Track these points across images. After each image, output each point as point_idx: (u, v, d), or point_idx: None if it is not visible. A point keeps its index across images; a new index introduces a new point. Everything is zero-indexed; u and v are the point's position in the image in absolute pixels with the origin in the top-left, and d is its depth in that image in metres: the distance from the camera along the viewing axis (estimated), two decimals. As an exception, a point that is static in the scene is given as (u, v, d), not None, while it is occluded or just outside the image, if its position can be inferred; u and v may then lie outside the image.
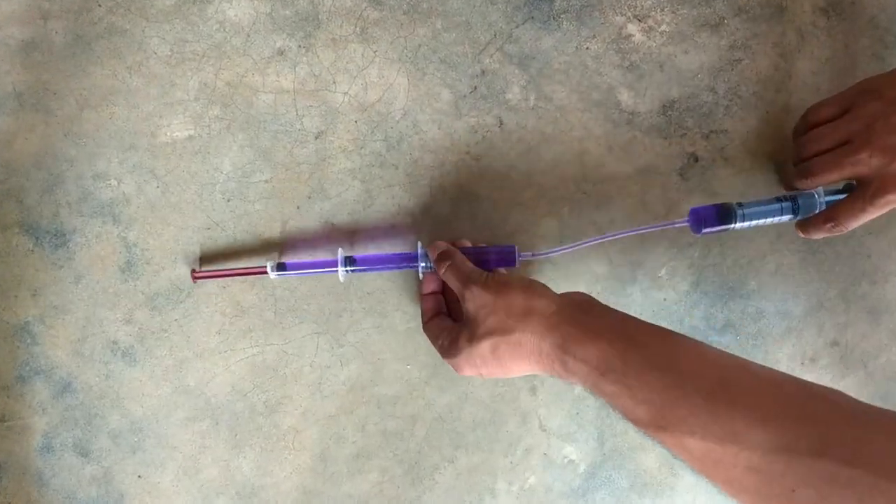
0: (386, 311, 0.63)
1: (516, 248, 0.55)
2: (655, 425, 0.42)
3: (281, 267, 0.56)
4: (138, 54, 0.57)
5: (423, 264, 0.56)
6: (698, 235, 0.54)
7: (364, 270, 0.57)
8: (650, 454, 0.69)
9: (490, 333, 0.48)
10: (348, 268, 0.56)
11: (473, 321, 0.49)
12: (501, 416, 0.65)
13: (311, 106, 0.60)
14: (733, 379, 0.41)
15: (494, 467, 0.65)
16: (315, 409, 0.63)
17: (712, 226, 0.54)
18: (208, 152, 0.59)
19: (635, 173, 0.64)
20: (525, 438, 0.66)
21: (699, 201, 0.66)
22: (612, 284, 0.66)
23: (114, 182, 0.59)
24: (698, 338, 0.63)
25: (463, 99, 0.61)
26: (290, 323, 0.62)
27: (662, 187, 0.65)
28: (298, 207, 0.60)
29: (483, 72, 0.62)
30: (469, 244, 0.57)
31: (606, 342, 0.45)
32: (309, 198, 0.60)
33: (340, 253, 0.56)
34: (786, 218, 0.55)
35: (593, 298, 0.50)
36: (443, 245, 0.56)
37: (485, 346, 0.49)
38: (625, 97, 0.64)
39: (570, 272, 0.65)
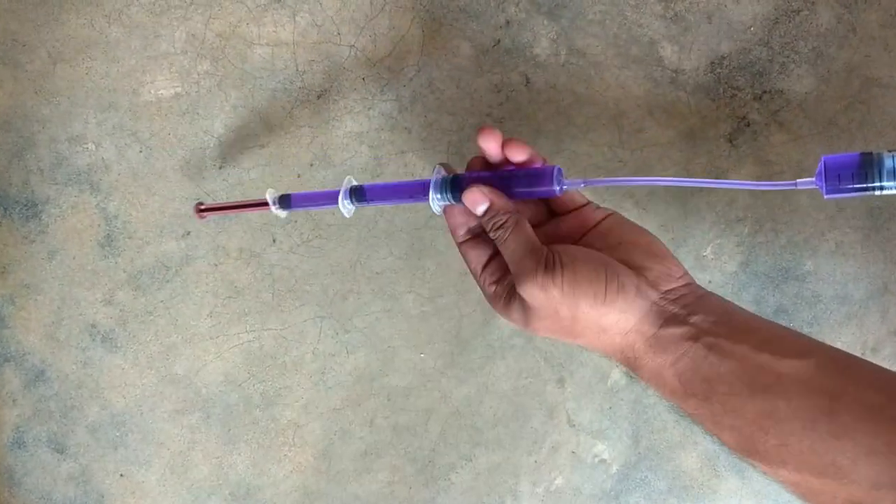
0: (397, 292, 0.62)
1: (556, 169, 0.45)
2: (744, 452, 0.40)
3: (285, 200, 0.51)
4: (118, 1, 0.57)
5: (438, 196, 0.47)
6: (827, 199, 0.42)
7: (375, 203, 0.49)
8: (691, 453, 0.66)
9: (549, 333, 0.44)
10: (355, 203, 0.49)
11: (529, 311, 0.43)
12: (525, 410, 0.64)
13: (312, 61, 0.59)
14: (841, 400, 0.38)
15: (517, 467, 0.65)
16: (318, 401, 0.62)
17: (849, 185, 0.41)
18: (197, 113, 0.58)
19: (678, 139, 0.62)
20: (551, 435, 0.65)
21: (750, 171, 0.63)
22: None
23: (91, 146, 0.58)
24: None
25: (485, 54, 0.60)
26: (290, 306, 0.61)
27: (709, 155, 0.62)
28: (299, 175, 0.60)
29: (508, 22, 0.60)
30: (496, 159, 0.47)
31: (689, 360, 0.41)
32: (311, 165, 0.60)
33: (347, 182, 0.50)
34: None
35: (693, 286, 0.44)
36: (486, 191, 0.44)
37: (544, 333, 0.44)
38: (668, 52, 0.61)
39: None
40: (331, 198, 0.49)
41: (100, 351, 0.60)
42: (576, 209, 0.48)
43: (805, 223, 0.65)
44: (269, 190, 0.51)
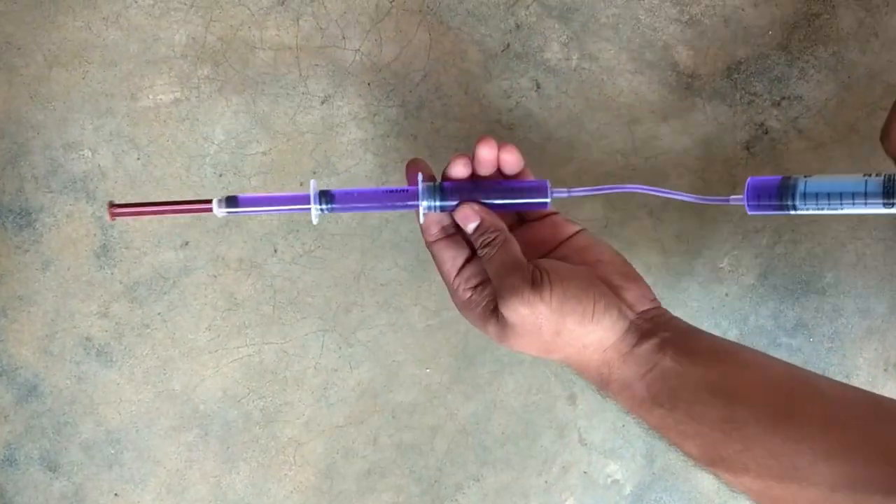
0: (402, 305, 0.61)
1: (547, 183, 0.46)
2: (707, 461, 0.41)
3: (232, 202, 0.45)
4: (116, 3, 0.57)
5: (425, 203, 0.45)
6: (750, 215, 0.47)
7: (344, 210, 0.46)
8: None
9: (525, 349, 0.45)
10: (323, 206, 0.45)
11: (510, 327, 0.44)
12: (535, 427, 0.64)
13: (316, 65, 0.59)
14: (799, 406, 0.41)
15: (527, 487, 0.64)
16: (320, 418, 0.62)
17: (769, 202, 0.45)
18: (197, 119, 0.58)
19: (694, 146, 0.62)
20: (562, 454, 0.64)
21: None
22: (666, 276, 0.63)
23: (87, 153, 0.58)
24: (765, 340, 0.64)
25: (494, 58, 0.60)
26: (292, 318, 0.61)
27: (725, 163, 0.62)
28: (301, 184, 0.59)
29: (517, 26, 0.60)
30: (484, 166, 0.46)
31: (658, 370, 0.43)
32: (314, 173, 0.60)
33: (314, 185, 0.46)
34: (876, 204, 0.44)
35: (662, 308, 0.47)
36: (477, 209, 0.45)
37: (519, 349, 0.46)
38: (683, 57, 0.61)
39: None
40: (290, 201, 0.45)
41: (94, 365, 0.60)
42: (544, 216, 0.49)
43: (825, 234, 0.65)
44: (216, 198, 0.45)
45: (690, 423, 0.41)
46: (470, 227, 0.45)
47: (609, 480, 0.65)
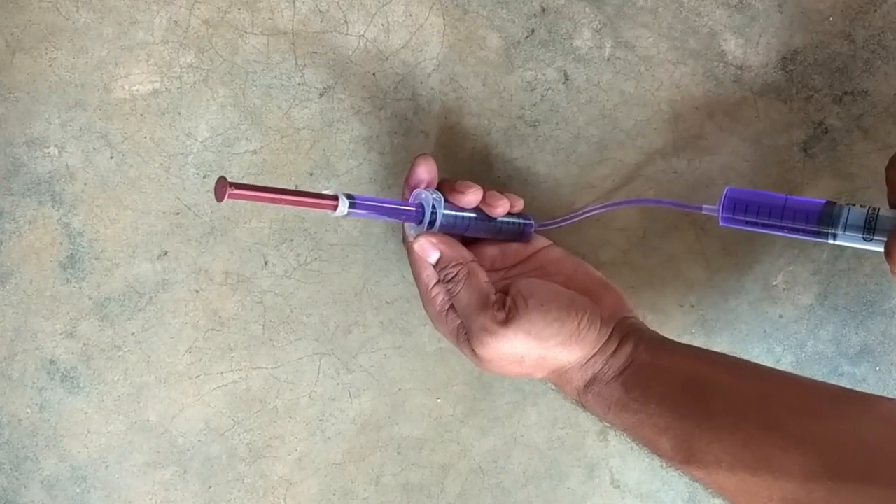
0: (410, 326, 0.60)
1: (532, 222, 0.54)
2: (681, 457, 0.43)
3: (351, 202, 0.47)
4: None
5: (413, 225, 0.50)
6: (721, 227, 0.52)
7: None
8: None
9: (507, 374, 0.50)
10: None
11: (486, 361, 0.48)
12: (561, 467, 0.63)
13: (314, 53, 0.57)
14: (774, 396, 0.43)
15: None
16: (315, 454, 0.61)
17: (742, 217, 0.50)
18: (178, 112, 0.57)
19: (744, 147, 0.60)
20: (592, 497, 0.64)
21: (828, 185, 0.61)
22: (711, 295, 0.62)
23: (54, 150, 0.56)
24: (825, 368, 0.63)
25: (516, 46, 0.58)
26: (284, 340, 0.60)
27: (780, 166, 0.60)
28: (297, 187, 0.58)
29: (543, 10, 0.58)
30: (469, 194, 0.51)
31: (634, 368, 0.46)
32: (310, 174, 0.58)
33: (426, 196, 0.50)
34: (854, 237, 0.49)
35: (637, 318, 0.50)
36: (435, 241, 0.49)
37: (501, 374, 0.50)
38: (731, 46, 0.59)
39: (655, 278, 0.62)
40: (398, 213, 0.50)
41: (59, 392, 0.58)
42: None
43: (894, 248, 0.63)
44: (341, 194, 0.47)
45: (663, 416, 0.44)
46: (431, 260, 0.49)
47: (645, 528, 0.63)
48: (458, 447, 0.62)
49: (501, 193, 0.50)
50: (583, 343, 0.46)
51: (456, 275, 0.48)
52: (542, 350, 0.45)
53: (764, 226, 0.49)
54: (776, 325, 0.62)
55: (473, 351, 0.47)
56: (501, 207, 0.49)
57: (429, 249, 0.48)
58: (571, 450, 0.63)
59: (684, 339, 0.61)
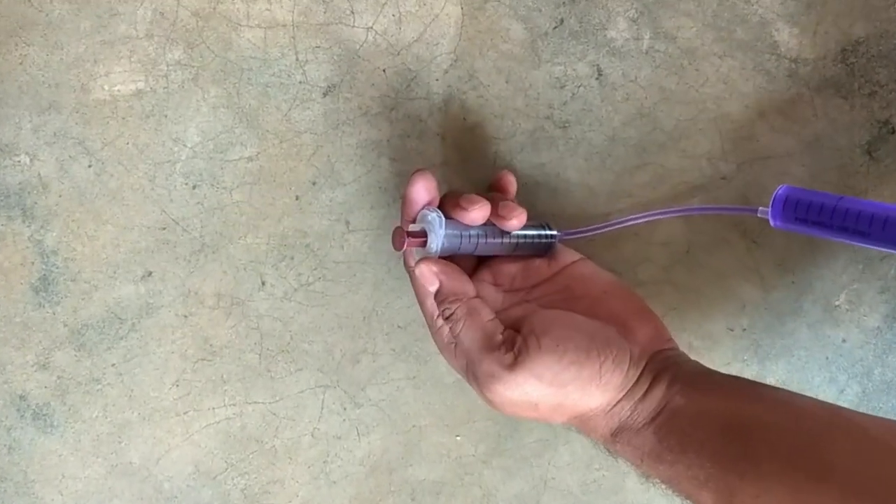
0: (426, 354, 0.58)
1: (557, 234, 0.51)
2: None
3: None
4: None
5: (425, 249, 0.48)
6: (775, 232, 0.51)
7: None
8: None
9: (521, 417, 0.46)
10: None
11: (497, 406, 0.46)
12: None
13: (317, 47, 0.54)
14: (824, 439, 0.41)
15: None
16: (318, 499, 0.59)
17: (803, 216, 0.45)
18: (165, 115, 0.54)
19: (800, 149, 0.58)
20: None
21: (895, 192, 0.59)
22: (765, 316, 0.59)
23: (24, 158, 0.53)
24: (891, 398, 0.60)
25: (543, 38, 0.55)
26: (283, 371, 0.57)
27: (840, 170, 0.58)
28: (298, 198, 0.55)
29: None
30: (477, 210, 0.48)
31: (667, 413, 0.43)
32: (313, 183, 0.55)
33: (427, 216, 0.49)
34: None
35: (678, 349, 0.47)
36: (436, 270, 0.48)
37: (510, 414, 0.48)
38: (785, 36, 0.56)
39: (701, 298, 0.59)
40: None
41: (30, 431, 0.55)
42: None
43: (971, 262, 0.60)
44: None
45: (703, 467, 0.41)
46: (430, 290, 0.48)
47: (693, 582, 0.58)
48: (481, 491, 0.60)
49: (516, 204, 0.48)
50: (605, 388, 0.43)
51: (454, 313, 0.46)
52: (557, 397, 0.43)
53: (824, 227, 0.45)
54: (839, 351, 0.60)
55: (482, 394, 0.45)
56: (517, 220, 0.47)
57: (429, 278, 0.47)
58: (609, 494, 0.60)
59: (735, 368, 0.58)
